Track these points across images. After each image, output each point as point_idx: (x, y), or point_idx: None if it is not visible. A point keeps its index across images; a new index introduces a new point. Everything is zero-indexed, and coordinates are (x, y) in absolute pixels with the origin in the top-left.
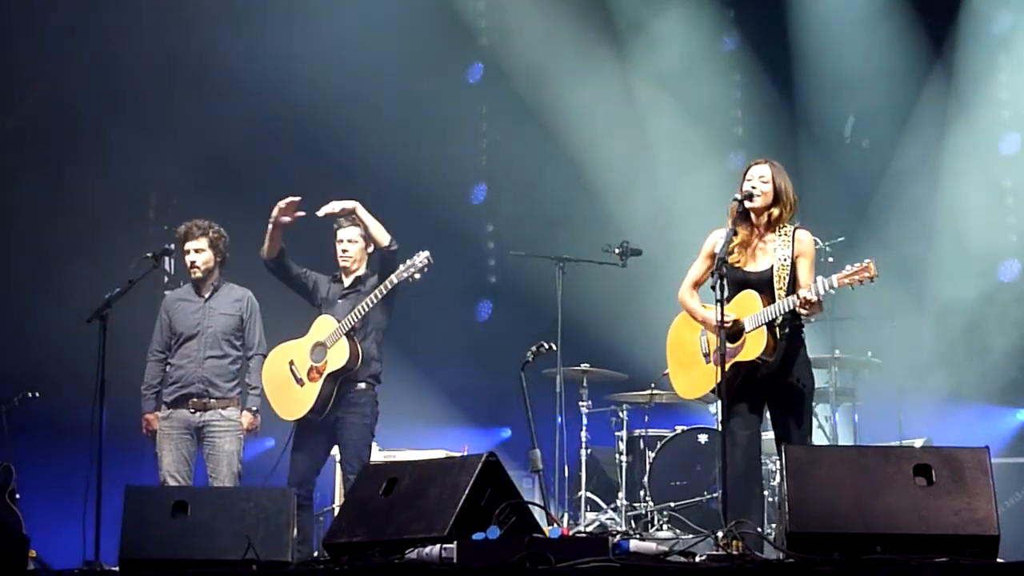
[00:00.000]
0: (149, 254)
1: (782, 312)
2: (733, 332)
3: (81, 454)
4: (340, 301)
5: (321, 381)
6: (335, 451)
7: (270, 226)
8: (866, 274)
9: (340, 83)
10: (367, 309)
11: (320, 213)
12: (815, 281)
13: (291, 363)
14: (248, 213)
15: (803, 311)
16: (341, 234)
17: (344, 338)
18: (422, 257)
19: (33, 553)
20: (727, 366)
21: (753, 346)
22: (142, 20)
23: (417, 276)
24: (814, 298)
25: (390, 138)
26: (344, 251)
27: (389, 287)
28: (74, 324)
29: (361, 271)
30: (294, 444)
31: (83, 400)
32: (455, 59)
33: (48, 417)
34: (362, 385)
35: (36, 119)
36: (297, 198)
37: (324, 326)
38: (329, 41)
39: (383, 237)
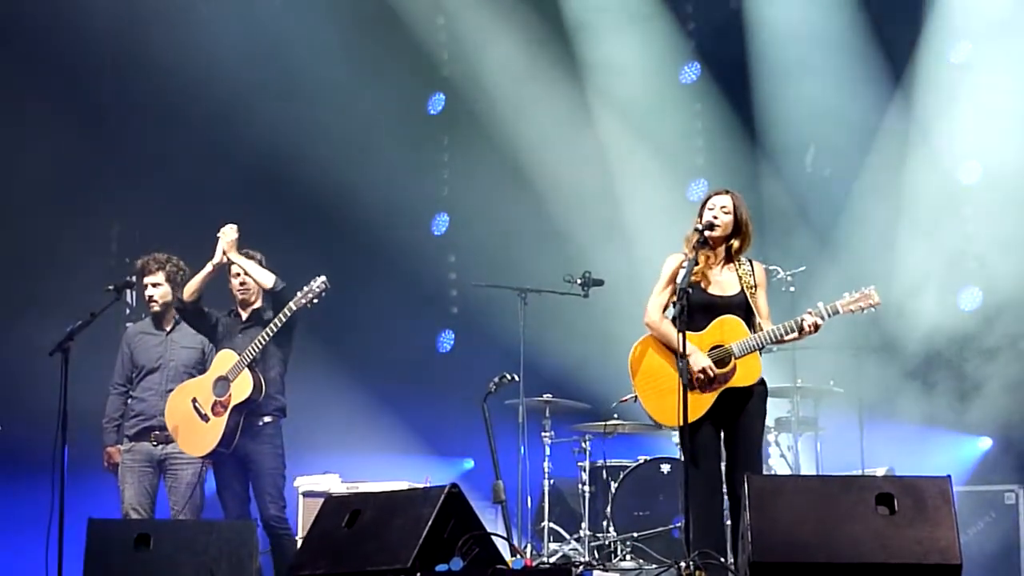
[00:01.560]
0: (111, 287)
1: (778, 337)
2: (720, 357)
3: (43, 487)
4: (239, 336)
5: (227, 415)
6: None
7: (210, 266)
8: (870, 301)
9: (300, 112)
10: (266, 340)
11: (217, 259)
12: (816, 306)
13: (194, 400)
14: (210, 245)
15: (800, 337)
16: (237, 267)
17: (247, 370)
18: (319, 282)
19: None
20: (719, 392)
21: (750, 372)
22: (103, 46)
23: (315, 301)
24: (822, 322)
25: (351, 169)
26: (242, 283)
27: (287, 315)
28: (35, 356)
29: (258, 304)
30: (218, 485)
31: (45, 433)
32: (416, 89)
33: (9, 450)
34: (268, 418)
35: None
36: (233, 231)
37: (225, 360)
38: (290, 70)
39: (266, 280)
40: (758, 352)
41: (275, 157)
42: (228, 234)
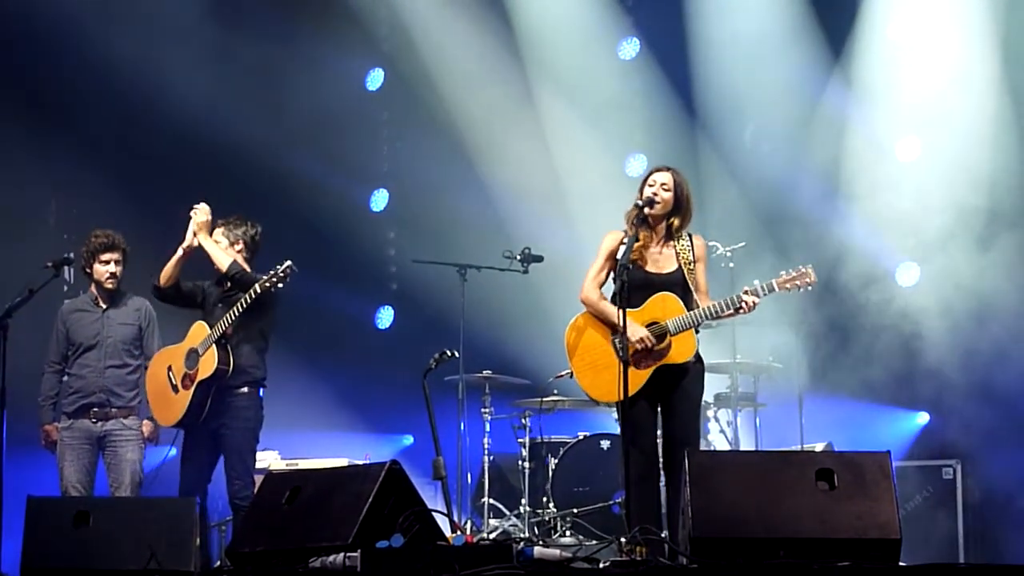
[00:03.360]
0: (49, 263)
1: (714, 314)
2: (657, 334)
3: None
4: (218, 306)
5: (193, 389)
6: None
7: (180, 251)
8: (807, 279)
9: (238, 88)
10: (233, 318)
11: (187, 242)
12: (753, 284)
13: (169, 368)
14: (148, 221)
15: (736, 314)
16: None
17: (215, 346)
18: (284, 266)
19: None
20: (653, 368)
21: (684, 348)
22: (46, 25)
23: (280, 285)
24: (758, 300)
25: (290, 146)
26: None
27: (252, 297)
28: None
29: None
30: (182, 455)
31: None
32: (356, 65)
33: None
34: (244, 389)
35: None
36: (204, 212)
37: (198, 332)
38: (225, 45)
39: (222, 263)
40: (693, 329)
41: (212, 134)
42: (198, 215)
